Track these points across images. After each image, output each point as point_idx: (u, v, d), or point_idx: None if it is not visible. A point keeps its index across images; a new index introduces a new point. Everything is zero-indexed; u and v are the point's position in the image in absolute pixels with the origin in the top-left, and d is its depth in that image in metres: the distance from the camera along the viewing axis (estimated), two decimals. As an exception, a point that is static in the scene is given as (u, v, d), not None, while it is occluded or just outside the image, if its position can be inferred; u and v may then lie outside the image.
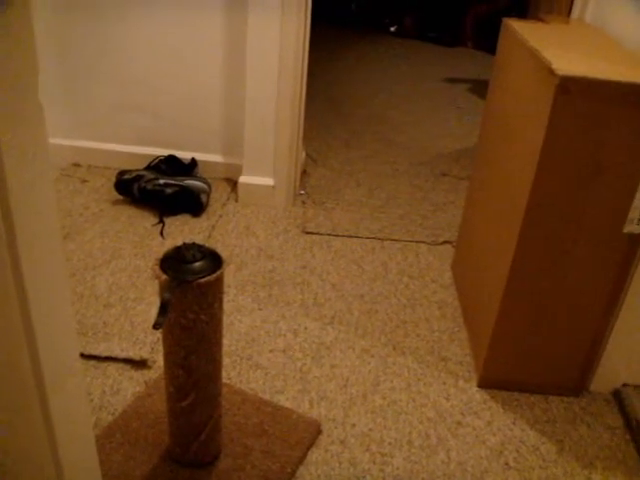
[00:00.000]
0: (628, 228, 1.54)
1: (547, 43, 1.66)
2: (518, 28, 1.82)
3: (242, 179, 2.61)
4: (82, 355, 1.73)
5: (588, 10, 2.12)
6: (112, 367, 1.74)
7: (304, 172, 2.89)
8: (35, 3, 2.49)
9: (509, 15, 2.04)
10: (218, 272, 1.24)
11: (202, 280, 1.20)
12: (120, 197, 2.53)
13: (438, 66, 4.82)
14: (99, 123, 2.75)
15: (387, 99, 4.06)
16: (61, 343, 0.82)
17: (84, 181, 2.67)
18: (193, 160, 2.65)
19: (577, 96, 1.40)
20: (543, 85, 1.47)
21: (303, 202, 2.68)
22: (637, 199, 1.50)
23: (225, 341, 1.80)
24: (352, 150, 3.24)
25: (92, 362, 1.74)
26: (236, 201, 2.63)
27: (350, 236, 2.46)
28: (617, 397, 1.79)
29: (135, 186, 2.47)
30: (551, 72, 1.41)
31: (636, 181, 1.48)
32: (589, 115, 1.42)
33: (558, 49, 1.62)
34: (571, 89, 1.39)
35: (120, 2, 2.50)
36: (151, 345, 1.80)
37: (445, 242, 2.47)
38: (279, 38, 2.33)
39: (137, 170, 2.54)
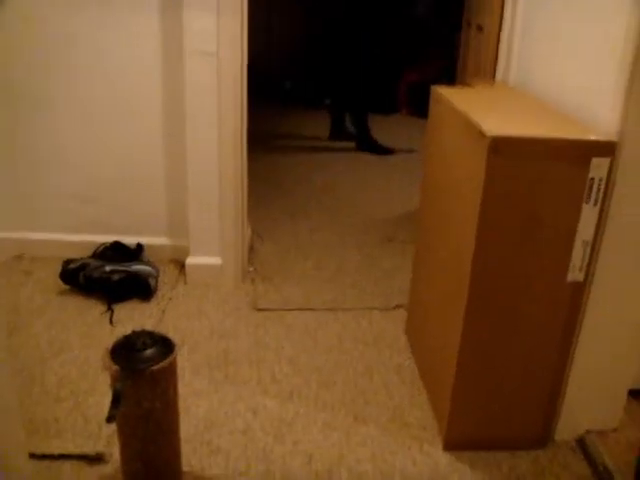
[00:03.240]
0: (571, 276, 1.58)
1: (475, 106, 1.73)
2: (446, 94, 1.88)
3: (189, 260, 2.60)
4: (33, 455, 1.66)
5: (511, 72, 2.22)
6: (67, 465, 1.67)
7: (251, 248, 2.89)
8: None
9: (439, 81, 2.11)
10: (170, 357, 1.22)
11: (154, 367, 1.18)
12: (66, 287, 2.48)
13: (376, 133, 4.94)
14: (40, 213, 2.72)
15: (328, 171, 4.13)
16: (7, 447, 0.79)
17: (28, 273, 2.62)
18: (139, 245, 2.63)
19: (508, 154, 1.45)
20: (475, 146, 1.52)
21: (253, 279, 2.67)
22: (576, 248, 1.54)
23: (183, 427, 1.75)
24: (298, 223, 3.27)
25: (45, 462, 1.67)
26: (185, 283, 2.60)
27: (302, 309, 2.45)
28: (582, 444, 1.79)
29: (81, 275, 2.44)
30: (482, 134, 1.46)
31: (574, 230, 1.53)
32: (522, 172, 1.47)
33: (486, 111, 1.68)
34: (502, 148, 1.44)
35: (54, 96, 2.52)
36: (107, 438, 1.74)
37: (397, 306, 2.48)
38: (217, 118, 2.37)
39: (82, 259, 2.50)
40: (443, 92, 1.92)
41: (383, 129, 5.08)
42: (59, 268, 2.49)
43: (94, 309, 2.38)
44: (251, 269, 2.74)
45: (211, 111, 2.37)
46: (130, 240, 2.64)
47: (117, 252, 2.56)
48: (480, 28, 2.72)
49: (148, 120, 2.56)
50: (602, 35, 1.57)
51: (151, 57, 2.46)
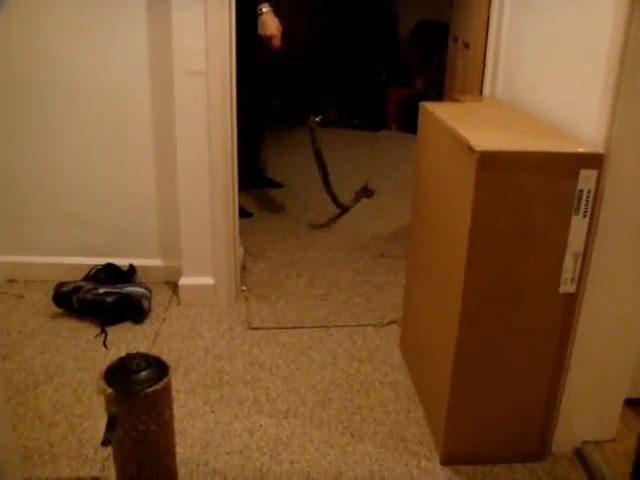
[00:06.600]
0: (563, 288, 1.59)
1: (463, 121, 1.74)
2: (435, 110, 1.90)
3: (182, 281, 2.60)
4: (29, 481, 1.65)
5: (498, 86, 2.24)
6: (62, 490, 1.66)
7: (244, 267, 2.89)
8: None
9: (427, 97, 2.13)
10: (165, 379, 1.21)
11: (149, 390, 1.18)
12: (59, 310, 2.47)
13: (365, 149, 4.95)
14: (32, 237, 2.72)
15: (319, 188, 4.13)
16: (1, 474, 0.78)
17: (20, 297, 2.61)
18: (131, 266, 2.62)
19: (497, 169, 1.47)
20: (464, 161, 1.53)
21: (246, 298, 2.67)
22: (567, 259, 1.55)
23: (179, 449, 1.74)
24: (289, 241, 3.27)
25: (40, 488, 1.66)
26: (178, 304, 2.60)
27: (296, 327, 2.45)
28: (579, 455, 1.79)
29: (74, 297, 2.43)
30: (470, 149, 1.47)
31: (564, 242, 1.54)
32: (511, 185, 1.48)
33: (474, 126, 1.70)
34: (491, 163, 1.45)
35: (42, 122, 2.53)
36: (102, 462, 1.73)
37: (391, 322, 2.48)
38: (207, 139, 2.38)
39: (75, 281, 2.50)
40: (432, 108, 1.94)
41: (373, 145, 5.12)
42: (52, 291, 2.48)
43: (88, 332, 2.37)
44: (244, 288, 2.74)
45: (201, 133, 2.37)
46: (122, 262, 2.63)
47: (110, 274, 2.55)
48: (466, 44, 2.75)
49: (139, 142, 2.56)
50: (588, 47, 1.58)
51: (141, 78, 2.47)
